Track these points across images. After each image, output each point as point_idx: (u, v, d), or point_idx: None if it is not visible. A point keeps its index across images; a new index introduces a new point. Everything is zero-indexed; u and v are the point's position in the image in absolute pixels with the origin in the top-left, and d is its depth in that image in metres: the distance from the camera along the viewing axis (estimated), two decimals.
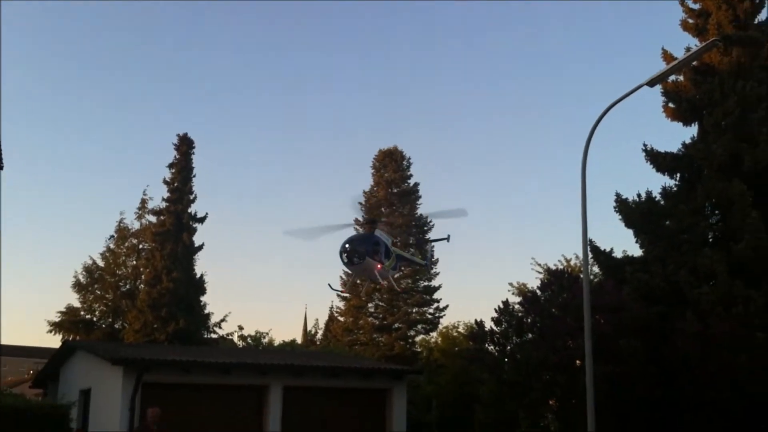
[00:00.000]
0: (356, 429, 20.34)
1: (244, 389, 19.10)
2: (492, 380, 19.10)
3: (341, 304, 42.35)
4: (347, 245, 4.55)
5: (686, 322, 16.72)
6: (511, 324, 18.85)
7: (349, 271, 5.30)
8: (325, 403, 20.11)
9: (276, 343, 37.46)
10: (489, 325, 19.12)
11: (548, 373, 16.77)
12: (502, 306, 19.13)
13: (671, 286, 18.43)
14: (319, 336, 41.63)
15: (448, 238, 6.86)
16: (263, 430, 19.09)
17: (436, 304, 41.12)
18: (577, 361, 16.69)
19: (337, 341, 38.86)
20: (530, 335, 18.53)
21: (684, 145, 20.43)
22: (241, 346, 35.02)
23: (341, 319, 42.36)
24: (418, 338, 40.65)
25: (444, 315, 39.81)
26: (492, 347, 19.19)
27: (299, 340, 44.92)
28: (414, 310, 40.66)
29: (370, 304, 41.03)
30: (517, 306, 19.45)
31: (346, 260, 5.03)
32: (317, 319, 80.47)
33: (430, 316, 40.87)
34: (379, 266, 4.96)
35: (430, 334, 40.38)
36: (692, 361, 16.22)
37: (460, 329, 34.64)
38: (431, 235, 41.50)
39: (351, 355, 30.96)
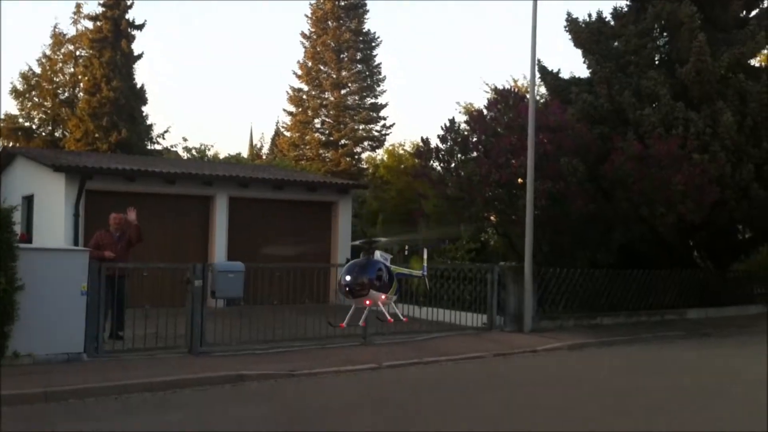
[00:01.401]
0: (302, 241, 20.77)
1: (190, 199, 19.18)
2: (436, 196, 19.45)
3: (288, 119, 42.05)
4: (348, 278, 4.20)
5: (627, 142, 17.08)
6: (457, 142, 18.96)
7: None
8: (271, 215, 20.40)
9: (221, 156, 37.37)
10: (435, 143, 19.22)
11: (490, 190, 17.13)
12: (448, 124, 19.16)
13: (615, 107, 18.67)
14: (265, 151, 41.55)
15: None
16: (210, 241, 19.39)
17: (382, 122, 41.16)
18: (519, 180, 17.04)
19: (284, 156, 38.92)
20: (475, 153, 18.72)
21: None
22: (185, 158, 34.86)
23: (287, 134, 42.25)
24: (365, 155, 40.94)
25: (390, 133, 39.94)
26: (437, 164, 19.39)
27: (245, 155, 44.83)
28: (361, 127, 40.69)
29: (316, 120, 40.86)
30: (463, 125, 19.50)
31: (349, 296, 4.70)
32: (263, 134, 79.92)
33: (376, 134, 41.01)
34: (383, 297, 4.72)
35: (377, 151, 40.66)
36: (630, 179, 16.71)
37: (407, 147, 34.88)
38: (378, 52, 40.96)
39: (297, 170, 31.12)
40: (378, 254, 4.90)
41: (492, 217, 19.05)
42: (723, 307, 20.43)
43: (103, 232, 12.40)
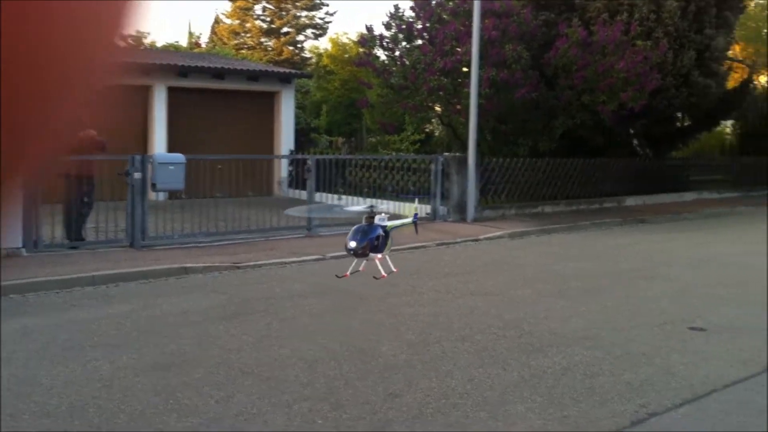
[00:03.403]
0: (244, 131, 20.46)
1: (127, 90, 18.58)
2: (380, 85, 19.20)
3: (227, 6, 40.63)
4: (353, 244, 4.42)
5: (572, 28, 16.97)
6: (401, 29, 18.58)
7: None
8: (212, 105, 19.96)
9: (158, 46, 36.08)
10: (379, 30, 18.81)
11: (435, 78, 16.95)
12: (392, 11, 18.72)
13: None
14: (204, 40, 40.24)
15: None
16: (148, 133, 18.95)
17: (325, 8, 40.08)
18: (464, 68, 16.88)
19: (224, 45, 37.75)
20: (420, 41, 18.41)
21: None
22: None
23: (227, 21, 40.90)
24: (308, 44, 40.03)
25: (332, 21, 38.95)
26: (381, 53, 19.05)
27: (183, 44, 43.38)
28: (303, 14, 39.59)
29: (257, 6, 39.57)
30: (408, 11, 19.08)
31: (354, 257, 5.03)
32: (201, 23, 77.47)
33: (320, 21, 39.97)
34: (380, 256, 4.91)
35: (320, 40, 39.77)
36: (573, 67, 16.70)
37: (351, 36, 34.14)
38: None
39: (238, 59, 30.29)
40: (377, 218, 5.13)
41: (436, 107, 18.95)
42: (660, 194, 20.96)
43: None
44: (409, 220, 5.61)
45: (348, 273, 5.71)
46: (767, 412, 4.76)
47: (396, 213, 15.08)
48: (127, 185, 11.44)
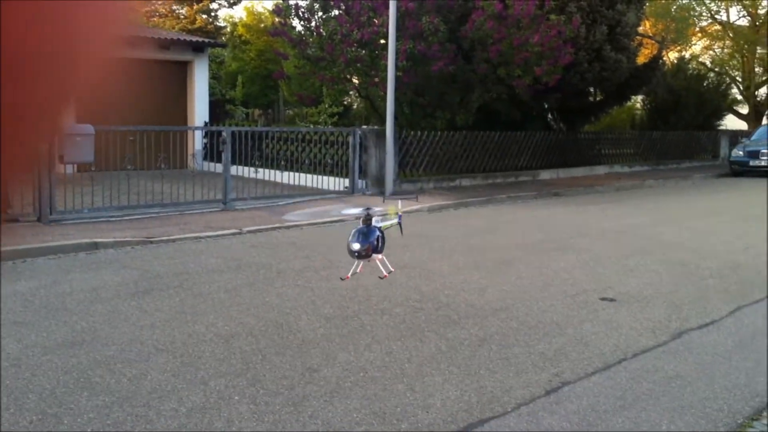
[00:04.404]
0: (156, 102, 19.91)
1: None
2: (297, 56, 18.94)
3: None
4: (357, 246, 4.45)
5: (487, 1, 17.06)
6: None
7: None
8: (121, 74, 19.34)
9: None
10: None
11: (352, 50, 16.83)
12: None
13: None
14: None
15: (416, 198, 6.68)
16: None
17: None
18: (381, 40, 16.80)
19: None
20: (336, 11, 18.22)
21: None
22: None
23: None
24: (222, 13, 39.22)
25: None
26: (297, 23, 18.77)
27: None
28: None
29: None
30: None
31: (357, 258, 5.05)
32: None
33: None
34: (380, 256, 4.91)
35: (234, 8, 38.98)
36: (489, 40, 16.83)
37: (267, 5, 33.58)
38: None
39: (149, 27, 29.39)
40: (374, 220, 5.21)
41: (354, 79, 18.84)
42: (573, 168, 21.45)
43: None
44: (395, 220, 5.73)
45: (349, 275, 5.77)
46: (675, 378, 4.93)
47: (312, 187, 15.04)
48: None
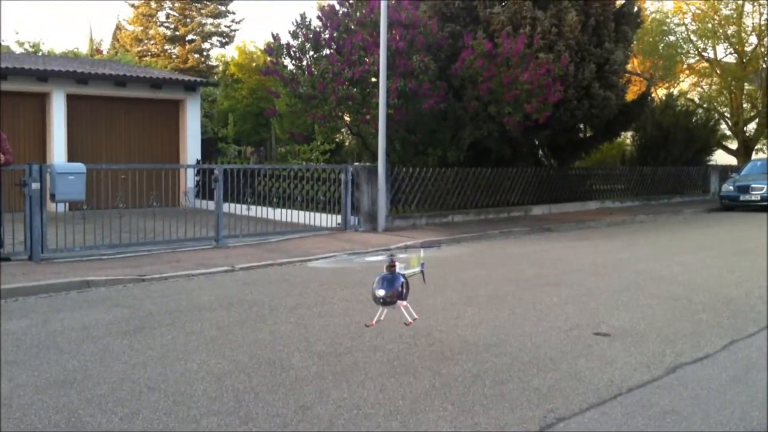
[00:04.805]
0: (148, 140, 19.98)
1: (23, 97, 17.93)
2: (288, 94, 19.08)
3: (129, 12, 39.75)
4: (382, 293, 4.53)
5: (477, 40, 17.28)
6: (309, 38, 18.54)
7: None
8: (114, 113, 19.44)
9: (57, 52, 34.94)
10: (286, 39, 18.71)
11: (343, 88, 16.96)
12: (299, 20, 18.65)
13: (465, 5, 18.86)
14: (105, 47, 39.13)
15: (439, 246, 6.83)
16: (47, 142, 18.29)
17: (231, 16, 39.64)
18: (372, 78, 16.96)
19: (126, 52, 36.82)
20: (327, 50, 18.41)
21: None
22: (18, 53, 32.36)
23: (130, 27, 39.94)
24: (214, 52, 39.48)
25: (239, 29, 38.59)
26: (289, 61, 18.94)
27: (84, 51, 42.18)
28: (208, 21, 39.03)
29: (160, 13, 38.80)
30: (315, 20, 19.06)
31: (382, 305, 5.14)
32: (103, 29, 75.45)
33: (225, 29, 39.48)
34: (405, 303, 5.00)
35: (226, 48, 39.28)
36: (479, 78, 17.00)
37: (258, 44, 33.87)
38: None
39: (141, 66, 29.61)
40: (397, 267, 5.24)
41: (346, 117, 18.96)
42: (564, 203, 21.54)
43: None
44: (418, 269, 5.74)
45: (374, 322, 5.75)
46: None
47: (305, 224, 15.08)
48: (24, 196, 10.97)
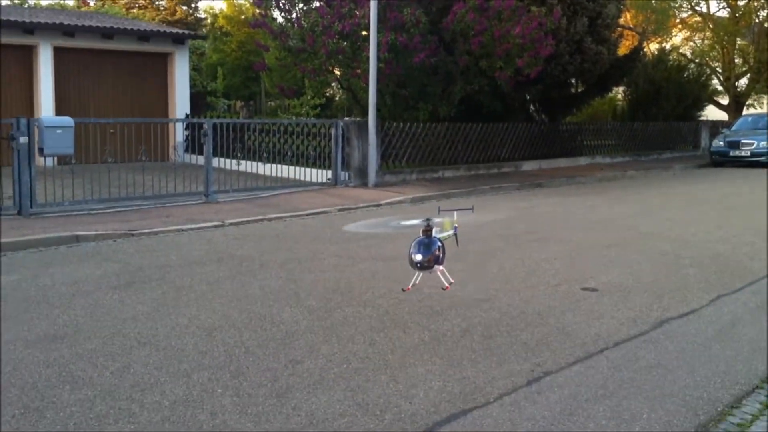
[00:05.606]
0: (136, 94, 19.79)
1: (10, 50, 17.68)
2: (277, 48, 18.86)
3: None
4: (419, 257, 4.47)
5: None
6: None
7: None
8: (101, 66, 19.21)
9: (44, 3, 34.39)
10: None
11: (334, 42, 16.77)
12: None
13: None
14: None
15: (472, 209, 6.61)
16: (34, 95, 18.10)
17: None
18: (363, 31, 16.77)
19: (113, 3, 36.26)
20: (317, 3, 18.16)
21: None
22: (4, 4, 31.83)
23: None
24: (202, 4, 38.95)
25: None
26: (278, 14, 18.69)
27: (71, 2, 41.48)
28: None
29: None
30: None
31: (418, 269, 5.04)
32: None
33: None
34: (441, 267, 4.94)
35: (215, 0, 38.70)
36: (471, 32, 16.83)
37: None
38: None
39: (129, 18, 29.19)
40: (434, 231, 5.22)
41: (336, 71, 18.79)
42: (555, 159, 21.54)
43: None
44: (451, 232, 5.74)
45: (410, 286, 5.76)
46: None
47: (295, 179, 15.06)
48: (12, 150, 10.90)
